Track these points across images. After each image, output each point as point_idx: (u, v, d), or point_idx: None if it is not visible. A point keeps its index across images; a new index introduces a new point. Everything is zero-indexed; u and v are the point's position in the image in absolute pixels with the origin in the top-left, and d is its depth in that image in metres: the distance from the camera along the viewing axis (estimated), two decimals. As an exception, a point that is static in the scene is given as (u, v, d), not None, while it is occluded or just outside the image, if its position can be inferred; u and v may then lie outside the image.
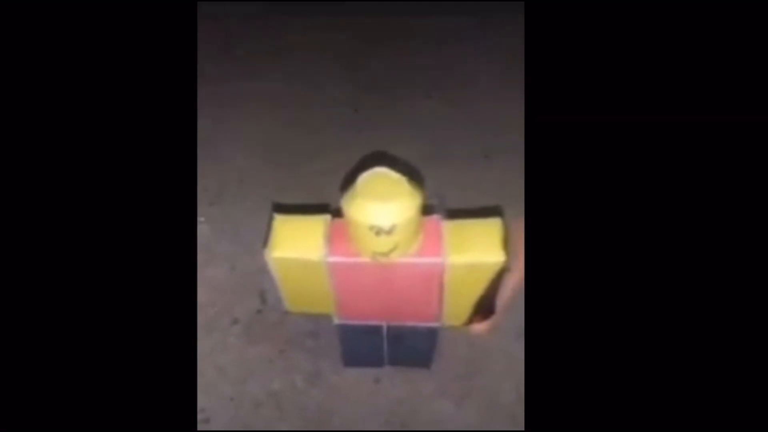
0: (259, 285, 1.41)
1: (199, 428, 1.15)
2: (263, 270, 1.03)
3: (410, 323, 1.10)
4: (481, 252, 0.93)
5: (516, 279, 0.90)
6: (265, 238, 0.99)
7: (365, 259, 0.94)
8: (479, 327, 1.14)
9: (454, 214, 1.00)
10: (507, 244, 0.93)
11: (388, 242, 0.89)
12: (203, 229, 1.56)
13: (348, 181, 0.92)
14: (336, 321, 1.11)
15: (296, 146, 1.85)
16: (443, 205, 1.37)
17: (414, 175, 0.94)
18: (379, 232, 0.87)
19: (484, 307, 1.04)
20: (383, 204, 0.86)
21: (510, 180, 1.60)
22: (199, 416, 1.19)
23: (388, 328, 1.13)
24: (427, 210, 0.94)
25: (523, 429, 1.16)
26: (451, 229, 0.97)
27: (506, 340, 1.30)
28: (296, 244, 0.97)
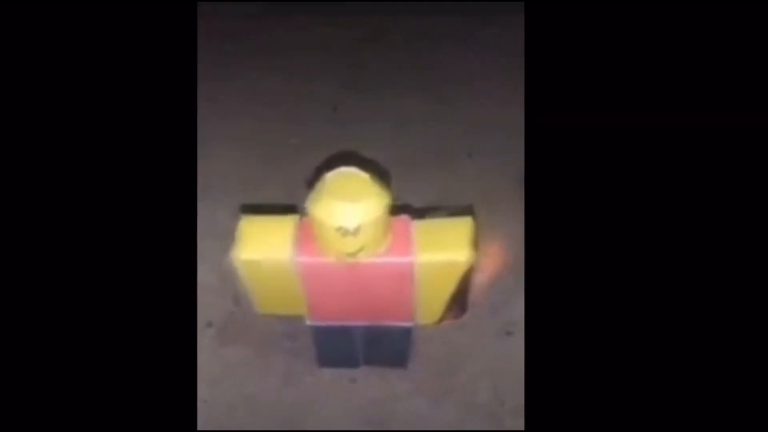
0: (234, 286, 1.39)
1: None
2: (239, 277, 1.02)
3: (384, 323, 1.09)
4: (449, 251, 0.92)
5: (486, 277, 0.90)
6: (232, 240, 0.97)
7: (333, 259, 0.93)
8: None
9: (426, 212, 1.00)
10: (476, 243, 0.92)
11: (354, 243, 0.88)
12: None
13: (315, 181, 0.90)
14: (308, 322, 1.10)
15: (279, 143, 1.83)
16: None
17: (382, 176, 0.93)
18: (345, 233, 0.86)
19: (457, 305, 1.04)
20: (349, 204, 0.85)
21: (491, 179, 1.60)
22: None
23: (362, 328, 1.12)
24: (395, 210, 0.93)
25: (499, 428, 1.16)
26: (420, 228, 0.96)
27: (483, 340, 1.30)
28: (263, 245, 0.96)
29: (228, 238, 0.97)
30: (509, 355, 1.26)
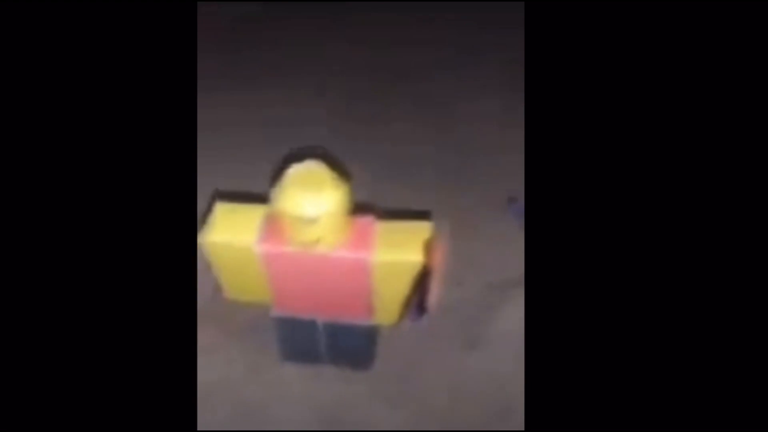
0: (213, 276, 1.44)
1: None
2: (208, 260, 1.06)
3: (344, 320, 1.12)
4: (403, 251, 0.96)
5: (438, 283, 0.93)
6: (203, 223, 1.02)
7: (294, 248, 0.97)
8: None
9: (390, 215, 1.04)
10: (430, 246, 0.95)
11: (313, 232, 0.92)
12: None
13: (280, 174, 0.95)
14: (272, 313, 1.14)
15: (269, 149, 1.89)
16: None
17: (342, 173, 0.97)
18: (305, 221, 0.91)
19: (415, 307, 1.07)
20: (309, 194, 0.89)
21: (472, 201, 1.64)
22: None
23: (324, 324, 1.15)
24: (360, 208, 0.97)
25: (455, 430, 1.17)
26: (381, 229, 1.00)
27: (447, 348, 1.31)
28: (231, 230, 1.01)
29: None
30: (470, 366, 1.28)
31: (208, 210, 1.05)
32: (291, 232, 0.95)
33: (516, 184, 1.49)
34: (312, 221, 0.90)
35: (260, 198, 1.07)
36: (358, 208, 1.01)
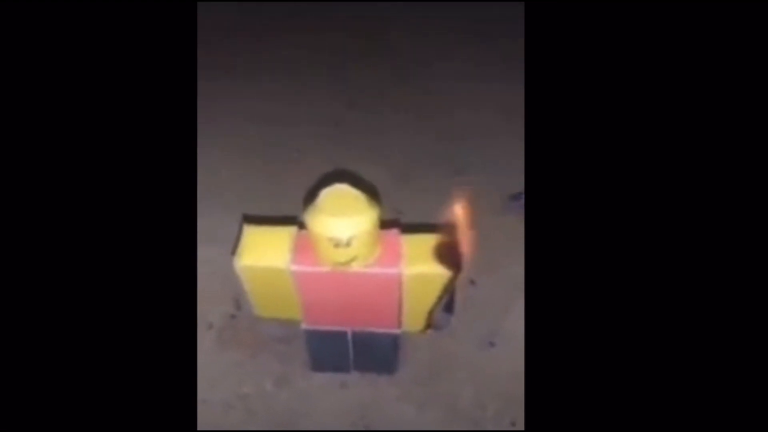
0: (235, 291, 1.47)
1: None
2: (240, 281, 1.09)
3: (373, 330, 1.16)
4: (433, 263, 1.00)
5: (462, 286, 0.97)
6: (234, 246, 1.05)
7: (327, 268, 1.00)
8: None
9: (413, 228, 1.08)
10: (455, 245, 0.99)
11: (346, 253, 0.96)
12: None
13: (310, 197, 0.98)
14: (303, 326, 1.17)
15: (277, 155, 1.92)
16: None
17: (373, 192, 1.01)
18: (337, 244, 0.94)
19: (441, 314, 1.11)
20: (341, 218, 0.93)
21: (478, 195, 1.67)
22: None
23: (353, 334, 1.19)
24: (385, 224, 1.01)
25: (483, 431, 1.23)
26: (408, 242, 1.04)
27: (468, 348, 1.37)
28: (263, 253, 1.04)
29: (229, 244, 1.04)
30: (491, 364, 1.34)
31: (224, 227, 1.05)
32: (324, 253, 0.98)
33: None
34: (345, 244, 0.94)
35: (280, 219, 1.10)
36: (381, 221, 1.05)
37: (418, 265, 1.01)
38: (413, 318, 1.12)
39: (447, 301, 1.09)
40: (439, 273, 1.00)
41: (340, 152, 1.92)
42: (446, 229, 0.98)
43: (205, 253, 1.58)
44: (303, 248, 1.02)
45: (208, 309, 1.46)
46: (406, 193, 1.73)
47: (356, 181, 0.99)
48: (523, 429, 1.21)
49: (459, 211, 0.95)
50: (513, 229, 1.58)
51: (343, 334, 1.19)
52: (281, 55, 2.37)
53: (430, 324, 1.13)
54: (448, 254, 1.00)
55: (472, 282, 1.48)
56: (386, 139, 2.00)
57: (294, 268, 1.02)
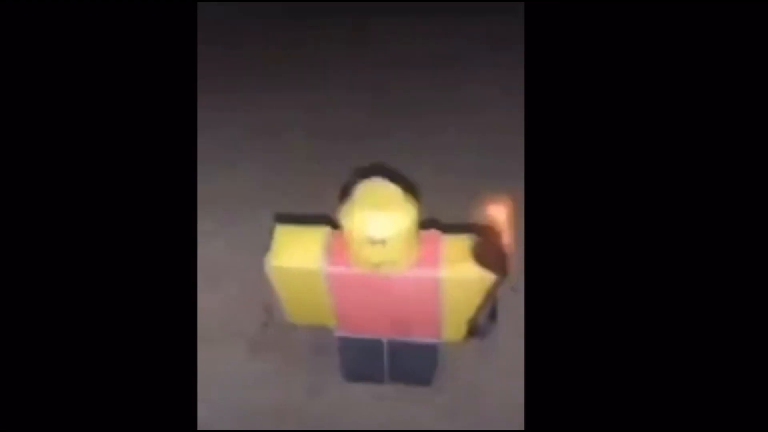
0: (268, 299, 1.43)
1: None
2: (272, 285, 1.05)
3: (410, 339, 1.09)
4: (474, 267, 0.93)
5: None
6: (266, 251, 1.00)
7: (362, 270, 0.95)
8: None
9: (453, 229, 1.01)
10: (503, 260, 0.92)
11: (382, 253, 0.90)
12: (218, 244, 1.59)
13: (346, 192, 0.93)
14: (336, 333, 1.11)
15: (311, 160, 1.88)
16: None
17: (412, 189, 0.95)
18: (373, 242, 0.88)
19: (483, 323, 1.03)
20: (378, 214, 0.87)
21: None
22: (200, 426, 1.20)
23: (389, 343, 1.13)
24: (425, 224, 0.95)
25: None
26: (449, 243, 0.97)
27: (508, 361, 1.28)
28: (296, 254, 0.99)
29: (260, 252, 1.01)
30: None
31: (255, 236, 1.02)
32: (358, 253, 0.92)
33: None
34: (380, 242, 0.88)
35: (312, 218, 1.05)
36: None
37: (460, 269, 0.94)
38: (454, 325, 1.05)
39: (490, 307, 1.01)
40: (483, 277, 0.93)
41: (373, 151, 1.85)
42: (488, 231, 0.92)
43: (235, 262, 1.55)
44: (337, 248, 0.97)
45: (239, 317, 1.42)
46: (443, 193, 1.65)
47: (393, 177, 0.93)
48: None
49: (501, 213, 0.90)
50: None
51: (379, 343, 1.13)
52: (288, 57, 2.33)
53: (472, 332, 1.06)
54: (490, 257, 0.93)
55: (514, 290, 1.39)
56: (417, 141, 1.93)
57: (329, 269, 0.96)
